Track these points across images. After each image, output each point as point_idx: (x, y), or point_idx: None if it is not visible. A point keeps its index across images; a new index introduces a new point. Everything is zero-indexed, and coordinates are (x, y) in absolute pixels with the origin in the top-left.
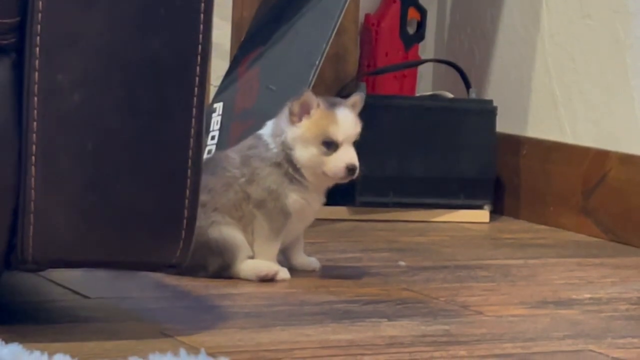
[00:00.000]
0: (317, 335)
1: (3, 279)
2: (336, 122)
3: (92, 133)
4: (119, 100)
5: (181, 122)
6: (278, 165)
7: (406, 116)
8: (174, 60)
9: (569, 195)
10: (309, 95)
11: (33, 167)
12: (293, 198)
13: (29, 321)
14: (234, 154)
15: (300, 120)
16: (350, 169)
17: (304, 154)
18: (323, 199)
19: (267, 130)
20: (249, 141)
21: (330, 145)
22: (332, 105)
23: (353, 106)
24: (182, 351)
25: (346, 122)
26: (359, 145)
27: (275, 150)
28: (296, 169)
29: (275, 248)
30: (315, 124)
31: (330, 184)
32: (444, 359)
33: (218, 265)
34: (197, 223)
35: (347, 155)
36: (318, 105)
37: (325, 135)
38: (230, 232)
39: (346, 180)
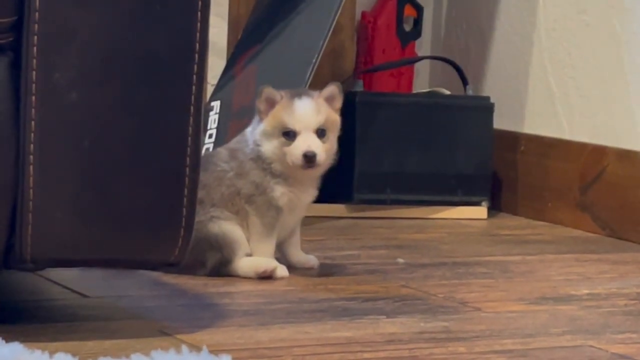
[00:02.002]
0: (316, 333)
1: (2, 278)
2: (293, 112)
3: (90, 131)
4: (116, 98)
5: (179, 119)
6: (255, 160)
7: (403, 113)
8: (171, 57)
9: (566, 191)
10: (269, 91)
11: (31, 166)
12: (280, 191)
13: (28, 320)
14: (222, 149)
15: (267, 115)
16: (307, 157)
17: (269, 147)
18: (314, 192)
19: (250, 127)
20: (237, 137)
21: (289, 135)
22: (295, 96)
23: (330, 97)
24: (184, 348)
25: (303, 110)
26: (357, 142)
27: (251, 146)
28: (268, 163)
29: (271, 244)
30: (274, 116)
31: (304, 174)
32: (443, 355)
33: (217, 260)
34: (196, 219)
35: (305, 143)
36: (281, 98)
37: (283, 125)
38: (229, 227)
39: (309, 169)
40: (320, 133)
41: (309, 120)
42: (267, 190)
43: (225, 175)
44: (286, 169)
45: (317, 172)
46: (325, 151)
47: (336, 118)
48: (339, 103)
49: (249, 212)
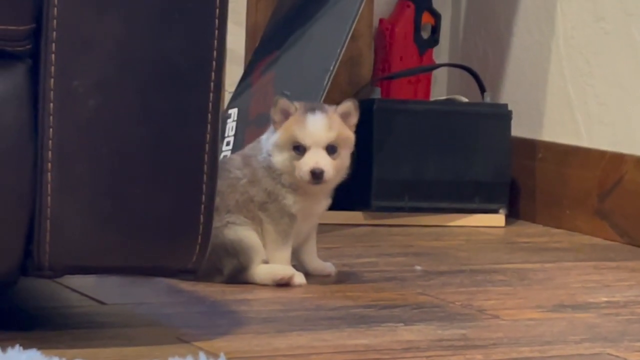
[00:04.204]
0: (333, 340)
1: (19, 285)
2: (304, 127)
3: (108, 139)
4: (134, 105)
5: (196, 127)
6: (266, 169)
7: (421, 121)
8: (189, 65)
9: (584, 198)
10: (284, 102)
11: (49, 174)
12: (292, 199)
13: (46, 327)
14: (236, 155)
15: (281, 126)
16: (315, 174)
17: (279, 159)
18: (327, 202)
19: (265, 135)
20: (251, 144)
21: (299, 150)
22: (309, 110)
23: (345, 113)
24: (202, 355)
25: (315, 126)
26: (374, 150)
27: (264, 155)
28: (279, 174)
29: (287, 252)
30: (286, 129)
31: (313, 189)
32: None
33: (233, 266)
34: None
35: (313, 160)
36: (296, 110)
37: (294, 140)
38: (246, 234)
39: (316, 185)
40: (331, 149)
41: (319, 136)
42: (280, 198)
43: (239, 182)
44: (295, 181)
45: (326, 187)
46: (334, 167)
47: (349, 135)
48: (354, 119)
49: (263, 219)
